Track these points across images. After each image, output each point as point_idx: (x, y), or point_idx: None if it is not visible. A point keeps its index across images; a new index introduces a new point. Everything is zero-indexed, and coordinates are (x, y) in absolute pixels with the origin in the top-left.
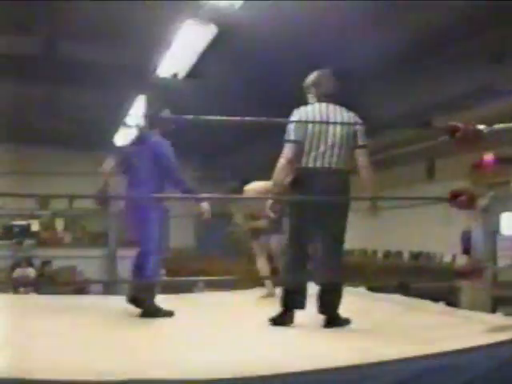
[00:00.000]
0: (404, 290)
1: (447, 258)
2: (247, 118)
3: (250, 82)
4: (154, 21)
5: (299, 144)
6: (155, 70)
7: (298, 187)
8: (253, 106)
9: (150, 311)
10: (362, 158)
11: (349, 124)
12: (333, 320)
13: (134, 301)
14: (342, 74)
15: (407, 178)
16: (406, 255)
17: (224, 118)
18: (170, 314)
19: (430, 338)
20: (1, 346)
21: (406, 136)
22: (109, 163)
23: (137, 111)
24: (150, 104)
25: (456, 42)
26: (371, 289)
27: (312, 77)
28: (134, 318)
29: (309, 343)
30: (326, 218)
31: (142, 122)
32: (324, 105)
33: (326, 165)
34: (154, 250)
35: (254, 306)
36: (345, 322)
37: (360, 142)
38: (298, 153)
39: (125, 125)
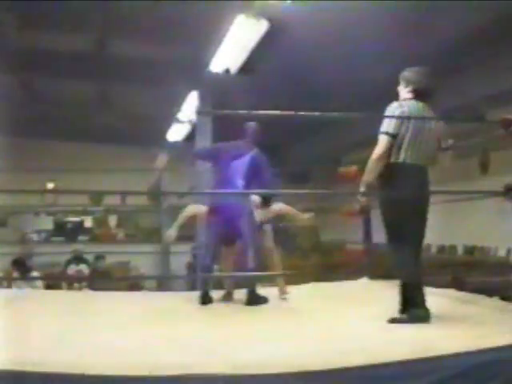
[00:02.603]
0: (458, 284)
1: (502, 252)
2: (301, 113)
3: (300, 77)
4: (206, 16)
5: (395, 138)
6: (207, 65)
7: (393, 183)
8: (302, 102)
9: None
10: (445, 160)
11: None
12: None
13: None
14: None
15: (460, 172)
16: (460, 249)
17: (278, 112)
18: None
19: (485, 332)
20: (57, 341)
21: (459, 130)
22: (162, 159)
23: (189, 107)
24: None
25: (509, 32)
26: (425, 283)
27: (409, 73)
28: (189, 311)
29: (367, 337)
30: (418, 214)
31: (194, 118)
32: (421, 104)
33: (421, 162)
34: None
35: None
36: None
37: (444, 145)
38: (391, 147)
39: (177, 121)
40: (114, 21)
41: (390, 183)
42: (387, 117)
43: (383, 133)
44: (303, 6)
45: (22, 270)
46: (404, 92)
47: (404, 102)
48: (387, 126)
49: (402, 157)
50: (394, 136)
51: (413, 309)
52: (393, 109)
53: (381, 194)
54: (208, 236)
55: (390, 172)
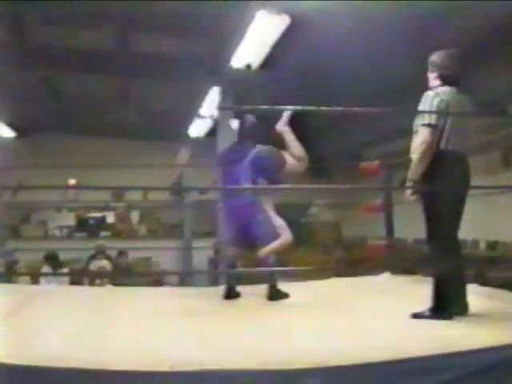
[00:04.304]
0: (480, 279)
1: None
2: (322, 108)
3: (321, 73)
4: (227, 12)
5: (437, 128)
6: (229, 61)
7: (437, 172)
8: (322, 98)
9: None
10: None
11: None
12: None
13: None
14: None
15: (482, 166)
16: (482, 244)
17: (299, 107)
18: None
19: (508, 327)
20: (78, 337)
21: (480, 124)
22: (184, 155)
23: (211, 102)
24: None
25: None
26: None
27: (436, 57)
28: (211, 306)
29: (389, 332)
30: (463, 202)
31: (215, 113)
32: (454, 89)
33: (463, 148)
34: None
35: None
36: None
37: None
38: (437, 138)
39: (199, 116)
40: (136, 17)
41: (434, 172)
42: (419, 111)
43: (426, 125)
44: (325, 1)
45: (54, 265)
46: (433, 78)
47: (439, 89)
48: (429, 117)
49: (444, 144)
50: (436, 126)
51: (438, 304)
52: (430, 98)
53: (429, 183)
54: (226, 235)
55: (435, 161)
